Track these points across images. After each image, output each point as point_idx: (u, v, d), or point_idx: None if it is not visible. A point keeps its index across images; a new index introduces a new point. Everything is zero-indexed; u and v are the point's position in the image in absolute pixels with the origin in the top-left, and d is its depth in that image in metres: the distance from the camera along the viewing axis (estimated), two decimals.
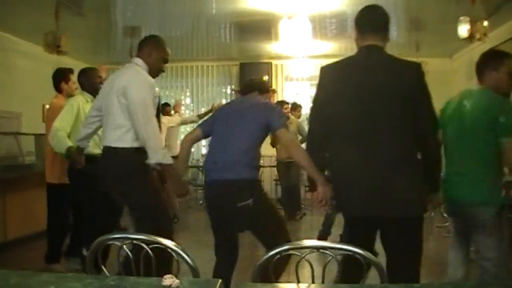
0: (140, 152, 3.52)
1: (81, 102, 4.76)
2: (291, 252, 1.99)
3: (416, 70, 2.83)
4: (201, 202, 10.57)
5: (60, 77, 5.20)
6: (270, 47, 10.10)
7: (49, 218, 5.29)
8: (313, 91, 11.61)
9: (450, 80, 10.63)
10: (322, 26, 8.32)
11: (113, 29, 8.50)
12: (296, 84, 11.81)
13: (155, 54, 3.77)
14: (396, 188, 2.66)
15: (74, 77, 5.15)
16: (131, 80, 3.55)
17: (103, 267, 2.14)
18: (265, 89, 3.96)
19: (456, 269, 3.27)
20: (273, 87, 11.26)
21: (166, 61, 3.87)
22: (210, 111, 7.87)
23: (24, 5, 6.72)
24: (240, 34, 9.23)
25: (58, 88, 5.20)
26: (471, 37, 6.62)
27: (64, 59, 7.39)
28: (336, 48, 10.02)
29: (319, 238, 6.11)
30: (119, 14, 7.75)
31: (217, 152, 3.54)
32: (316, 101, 3.04)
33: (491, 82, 3.20)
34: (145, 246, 2.04)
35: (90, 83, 4.86)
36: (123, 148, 3.55)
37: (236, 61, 11.30)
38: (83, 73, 4.97)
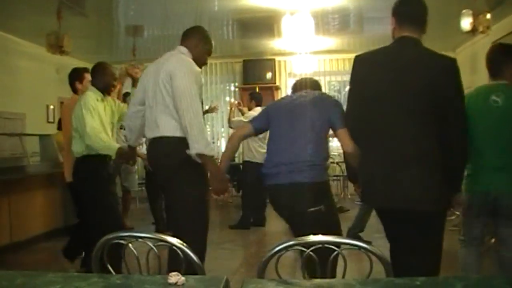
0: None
1: (92, 99, 4.40)
2: (296, 247, 1.99)
3: (450, 66, 2.81)
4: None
5: (74, 77, 5.11)
6: (273, 44, 10.09)
7: (81, 214, 5.09)
8: None
9: None
10: (325, 22, 8.30)
11: (116, 28, 8.51)
12: None
13: (201, 45, 3.66)
14: (418, 181, 2.66)
15: (89, 76, 4.90)
16: (178, 67, 3.39)
17: (108, 265, 2.14)
18: (319, 87, 3.90)
19: (470, 271, 3.33)
20: (277, 83, 11.27)
21: (209, 54, 3.76)
22: (207, 111, 7.64)
23: (26, 6, 6.73)
24: (242, 31, 9.23)
25: (73, 88, 5.11)
26: (474, 30, 6.60)
27: (67, 59, 7.40)
28: (339, 44, 10.01)
29: (351, 233, 5.90)
30: (121, 14, 7.76)
31: (284, 152, 3.34)
32: (351, 92, 3.03)
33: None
34: (150, 244, 2.04)
35: (104, 80, 4.54)
36: (180, 137, 3.34)
37: (239, 58, 11.29)
38: (99, 67, 4.64)
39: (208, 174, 3.43)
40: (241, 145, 6.36)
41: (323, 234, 3.15)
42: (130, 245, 2.10)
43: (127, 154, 4.20)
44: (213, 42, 3.78)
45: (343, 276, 2.01)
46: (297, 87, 3.80)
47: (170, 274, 1.74)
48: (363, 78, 2.90)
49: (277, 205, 3.46)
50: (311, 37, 7.83)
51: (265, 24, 8.41)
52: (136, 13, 7.66)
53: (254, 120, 3.68)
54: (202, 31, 3.75)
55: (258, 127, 3.57)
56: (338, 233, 3.34)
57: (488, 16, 6.50)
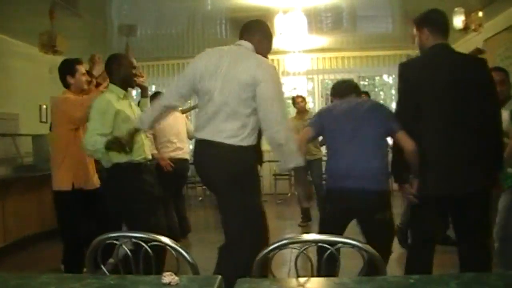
0: (252, 151, 3.25)
1: (113, 100, 3.87)
2: (290, 246, 1.99)
3: (485, 65, 3.29)
4: (200, 199, 10.60)
5: (65, 70, 4.46)
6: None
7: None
8: (310, 85, 11.68)
9: None
10: (318, 20, 8.31)
11: (109, 28, 8.49)
12: (293, 79, 11.81)
13: (265, 43, 3.47)
14: (476, 170, 3.10)
15: (82, 68, 4.47)
16: (266, 74, 3.16)
17: (102, 266, 2.14)
18: (360, 90, 4.03)
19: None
20: None
21: (268, 53, 3.50)
22: (193, 107, 7.43)
23: (19, 6, 6.70)
24: (236, 30, 9.13)
25: (65, 83, 4.46)
26: (466, 28, 6.64)
27: (60, 59, 7.33)
28: (332, 42, 10.02)
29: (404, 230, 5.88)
30: (114, 13, 7.74)
31: (353, 158, 3.43)
32: (402, 96, 3.33)
33: None
34: (143, 244, 2.04)
35: (121, 72, 3.99)
36: (241, 146, 3.15)
37: None
38: (113, 60, 4.05)
39: (296, 183, 3.52)
40: None
41: (385, 240, 3.46)
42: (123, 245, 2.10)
43: (125, 143, 3.67)
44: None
45: (337, 275, 2.01)
46: (340, 92, 3.91)
47: (164, 274, 1.74)
48: (416, 82, 3.21)
49: (341, 209, 3.52)
50: (304, 36, 7.84)
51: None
52: (129, 12, 7.64)
53: (313, 124, 3.76)
54: (267, 27, 3.58)
55: (317, 131, 3.71)
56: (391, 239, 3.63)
57: (480, 14, 6.53)
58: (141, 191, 3.83)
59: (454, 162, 3.12)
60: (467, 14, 6.51)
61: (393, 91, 11.31)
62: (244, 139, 3.15)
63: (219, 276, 1.76)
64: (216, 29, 8.99)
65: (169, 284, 1.70)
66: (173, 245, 2.03)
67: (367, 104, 3.73)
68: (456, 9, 6.57)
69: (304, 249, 1.97)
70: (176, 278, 1.72)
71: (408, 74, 3.30)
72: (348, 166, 3.43)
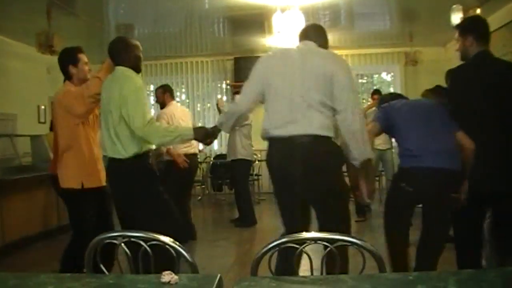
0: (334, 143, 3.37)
1: (131, 75, 3.72)
2: (289, 244, 1.99)
3: None
4: (199, 198, 10.59)
5: (67, 59, 4.17)
6: (264, 41, 10.08)
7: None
8: None
9: (444, 68, 10.54)
10: (315, 18, 8.29)
11: (106, 27, 8.48)
12: None
13: (326, 47, 3.60)
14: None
15: (84, 57, 4.19)
16: (339, 65, 3.36)
17: (101, 265, 2.14)
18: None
19: None
20: None
21: None
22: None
23: (16, 6, 6.69)
24: (233, 28, 9.22)
25: (66, 74, 4.16)
26: None
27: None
28: (330, 40, 9.96)
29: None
30: (111, 12, 7.73)
31: (428, 138, 3.55)
32: (454, 98, 3.58)
33: None
34: (143, 243, 2.04)
35: (130, 55, 3.78)
36: (329, 138, 3.27)
37: (230, 56, 11.27)
38: (118, 43, 3.85)
39: (365, 177, 3.47)
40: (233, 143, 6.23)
41: (438, 218, 3.58)
42: (122, 244, 2.09)
43: (213, 134, 3.83)
44: None
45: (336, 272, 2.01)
46: (388, 99, 4.09)
47: (163, 273, 1.74)
48: (465, 87, 3.49)
49: (415, 188, 3.54)
50: None
51: (256, 21, 8.40)
52: (127, 11, 7.64)
53: (379, 119, 3.81)
54: (325, 31, 3.73)
55: (382, 127, 3.78)
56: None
57: (478, 11, 6.53)
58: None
59: (496, 160, 3.33)
60: (465, 12, 6.51)
61: (391, 89, 11.31)
62: (330, 130, 3.28)
63: (218, 275, 1.75)
64: (214, 27, 8.99)
65: (168, 283, 1.70)
66: (172, 244, 2.03)
67: (428, 102, 3.95)
68: (454, 6, 6.57)
69: (303, 247, 1.97)
70: (175, 277, 1.72)
71: (457, 80, 3.59)
72: (423, 146, 3.53)
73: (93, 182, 4.08)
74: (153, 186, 3.78)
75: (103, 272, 2.05)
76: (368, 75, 12.08)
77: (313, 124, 3.22)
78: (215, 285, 1.69)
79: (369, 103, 8.52)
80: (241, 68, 11.14)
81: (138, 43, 3.89)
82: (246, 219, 7.64)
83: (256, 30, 9.21)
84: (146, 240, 2.06)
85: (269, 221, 8.35)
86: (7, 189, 6.19)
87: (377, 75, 12.28)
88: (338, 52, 10.90)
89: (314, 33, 3.61)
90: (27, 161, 7.63)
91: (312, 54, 3.40)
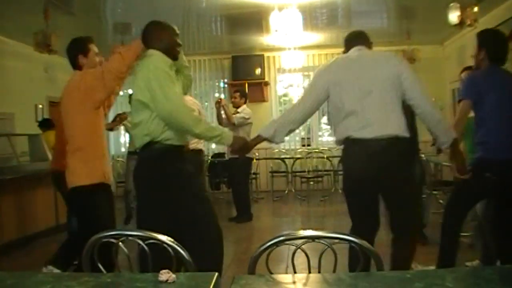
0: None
1: (163, 62, 3.46)
2: (287, 242, 1.99)
3: None
4: None
5: (76, 49, 4.02)
6: (261, 39, 10.09)
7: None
8: (306, 82, 11.66)
9: (442, 66, 10.66)
10: (313, 17, 8.31)
11: (103, 26, 8.47)
12: (289, 76, 11.82)
13: (372, 48, 3.80)
14: None
15: (95, 48, 4.07)
16: (402, 63, 3.60)
17: (99, 264, 2.14)
18: None
19: None
20: (266, 79, 11.27)
21: None
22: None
23: (13, 6, 6.68)
24: (231, 27, 9.22)
25: (75, 64, 3.96)
26: (461, 23, 6.62)
27: (55, 58, 7.35)
28: (327, 39, 10.02)
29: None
30: (109, 11, 7.72)
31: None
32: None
33: None
34: (140, 242, 2.04)
35: (165, 40, 3.54)
36: (406, 138, 3.39)
37: (228, 54, 11.27)
38: (152, 27, 3.60)
39: (454, 156, 3.62)
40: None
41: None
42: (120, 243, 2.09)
43: (250, 145, 3.75)
44: None
45: (334, 271, 2.01)
46: None
47: (161, 271, 1.74)
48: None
49: (497, 180, 3.62)
50: (300, 32, 7.83)
51: (253, 19, 8.40)
52: (124, 10, 7.63)
53: (469, 96, 3.81)
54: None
55: (472, 103, 3.78)
56: None
57: (476, 9, 6.52)
58: None
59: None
60: (463, 9, 6.50)
61: None
62: (405, 129, 3.40)
63: (216, 273, 1.76)
64: (211, 26, 8.99)
65: (166, 281, 1.70)
66: (169, 242, 2.03)
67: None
68: (451, 4, 6.56)
69: (300, 246, 1.97)
70: (173, 275, 1.72)
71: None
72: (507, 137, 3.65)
73: (109, 177, 3.93)
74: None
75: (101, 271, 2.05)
76: None
77: (392, 125, 3.35)
78: (212, 284, 1.69)
79: None
80: (239, 66, 11.15)
81: (175, 27, 3.68)
82: (244, 215, 7.72)
83: (254, 29, 9.22)
84: (144, 239, 2.06)
85: (266, 219, 8.36)
86: (5, 188, 6.18)
87: None
88: (335, 50, 11.00)
89: (363, 38, 3.75)
90: (25, 160, 7.63)
91: (375, 57, 3.61)
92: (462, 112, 3.75)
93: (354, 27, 9.05)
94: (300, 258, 2.02)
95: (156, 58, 3.42)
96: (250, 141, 3.81)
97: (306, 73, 11.54)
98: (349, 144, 3.43)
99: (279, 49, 10.54)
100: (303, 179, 10.19)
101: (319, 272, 1.98)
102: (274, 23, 7.26)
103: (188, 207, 3.40)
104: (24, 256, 5.95)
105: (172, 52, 3.54)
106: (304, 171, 10.20)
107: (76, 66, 3.96)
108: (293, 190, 10.47)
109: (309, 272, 1.96)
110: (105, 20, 8.17)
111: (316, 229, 2.03)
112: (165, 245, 2.04)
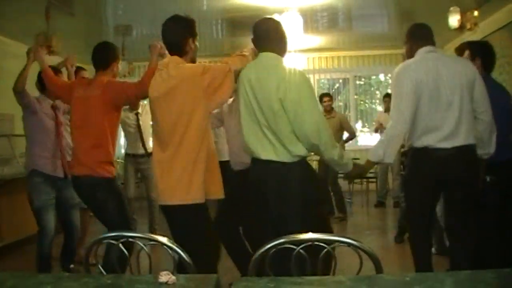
0: None
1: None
2: (286, 245, 2.00)
3: None
4: None
5: (111, 55, 4.13)
6: None
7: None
8: None
9: None
10: (313, 20, 8.32)
11: (105, 28, 8.48)
12: None
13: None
14: None
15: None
16: (474, 69, 3.51)
17: (99, 266, 2.14)
18: None
19: None
20: None
21: None
22: None
23: (15, 6, 6.69)
24: (232, 30, 9.22)
25: (105, 67, 4.03)
26: (461, 27, 6.65)
27: (56, 59, 7.34)
28: (328, 42, 10.02)
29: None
30: (110, 13, 7.73)
31: None
32: None
33: None
34: (140, 244, 2.04)
35: (284, 40, 3.45)
36: (474, 144, 3.44)
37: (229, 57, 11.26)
38: (272, 24, 3.53)
39: None
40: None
41: None
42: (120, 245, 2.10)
43: (365, 171, 3.73)
44: None
45: (333, 273, 2.02)
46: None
47: (161, 273, 1.74)
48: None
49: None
50: (300, 35, 7.84)
51: (254, 23, 8.40)
52: (125, 12, 7.64)
53: None
54: None
55: None
56: None
57: (476, 13, 6.55)
58: None
59: None
60: (463, 13, 6.52)
61: (389, 91, 11.31)
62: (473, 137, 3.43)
63: (216, 275, 1.76)
64: (212, 29, 9.00)
65: (165, 283, 1.71)
66: (169, 244, 2.03)
67: None
68: (451, 8, 6.58)
69: (300, 248, 1.97)
70: (173, 277, 1.73)
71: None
72: None
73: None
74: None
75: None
76: (365, 76, 12.11)
77: (467, 132, 3.36)
78: (213, 286, 1.69)
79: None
80: (239, 69, 11.13)
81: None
82: None
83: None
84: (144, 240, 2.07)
85: None
86: (4, 189, 6.17)
87: (374, 77, 12.30)
88: (336, 53, 11.03)
89: (431, 35, 3.64)
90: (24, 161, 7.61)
91: (453, 63, 3.52)
92: None
93: (355, 30, 9.18)
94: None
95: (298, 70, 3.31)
96: (365, 169, 3.63)
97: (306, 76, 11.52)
98: (425, 152, 3.41)
99: None
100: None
101: (319, 274, 1.99)
102: None
103: None
104: (24, 258, 5.94)
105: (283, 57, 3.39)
106: None
107: (105, 67, 4.00)
108: None
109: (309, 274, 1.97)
110: (106, 22, 8.18)
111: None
112: (165, 247, 2.05)
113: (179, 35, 3.56)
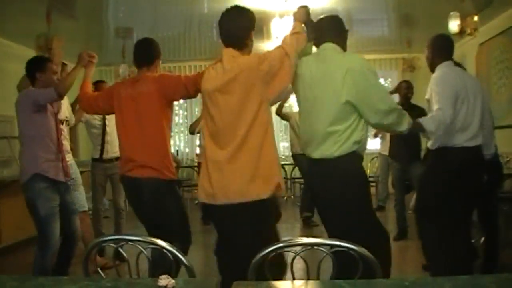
0: None
1: None
2: (285, 249, 2.00)
3: None
4: (196, 202, 10.57)
5: (156, 51, 4.19)
6: (262, 46, 10.07)
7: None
8: None
9: None
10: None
11: (105, 30, 8.49)
12: None
13: None
14: None
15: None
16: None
17: (99, 269, 2.15)
18: None
19: None
20: None
21: None
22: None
23: (16, 8, 6.70)
24: None
25: (150, 64, 4.02)
26: (461, 32, 6.65)
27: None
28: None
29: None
30: (111, 16, 7.74)
31: None
32: None
33: None
34: (140, 247, 2.05)
35: (344, 34, 3.80)
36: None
37: None
38: (333, 19, 3.77)
39: None
40: None
41: None
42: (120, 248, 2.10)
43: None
44: None
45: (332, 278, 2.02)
46: None
47: (160, 276, 1.74)
48: None
49: None
50: None
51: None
52: (126, 15, 7.65)
53: None
54: None
55: None
56: None
57: (476, 18, 6.55)
58: None
59: None
60: (463, 18, 6.53)
61: None
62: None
63: (216, 279, 1.76)
64: (213, 32, 9.00)
65: (165, 287, 1.71)
66: (169, 247, 2.03)
67: None
68: (451, 13, 6.59)
69: (300, 252, 1.98)
70: (173, 280, 1.73)
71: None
72: None
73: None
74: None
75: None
76: None
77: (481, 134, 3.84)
78: None
79: None
80: None
81: None
82: None
83: (255, 35, 9.19)
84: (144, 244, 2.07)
85: None
86: (4, 191, 6.18)
87: None
88: None
89: (453, 47, 4.22)
90: None
91: (467, 74, 4.12)
92: None
93: (355, 34, 9.19)
94: (299, 264, 2.03)
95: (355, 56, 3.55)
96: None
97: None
98: (457, 151, 3.76)
99: None
100: (303, 186, 10.17)
101: (317, 278, 1.99)
102: (275, 30, 7.28)
103: None
104: (24, 260, 5.94)
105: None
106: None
107: (151, 64, 3.99)
108: (292, 197, 10.46)
109: (308, 279, 1.97)
110: (106, 24, 8.19)
111: (315, 236, 2.03)
112: (164, 250, 2.05)
113: (243, 27, 3.44)
